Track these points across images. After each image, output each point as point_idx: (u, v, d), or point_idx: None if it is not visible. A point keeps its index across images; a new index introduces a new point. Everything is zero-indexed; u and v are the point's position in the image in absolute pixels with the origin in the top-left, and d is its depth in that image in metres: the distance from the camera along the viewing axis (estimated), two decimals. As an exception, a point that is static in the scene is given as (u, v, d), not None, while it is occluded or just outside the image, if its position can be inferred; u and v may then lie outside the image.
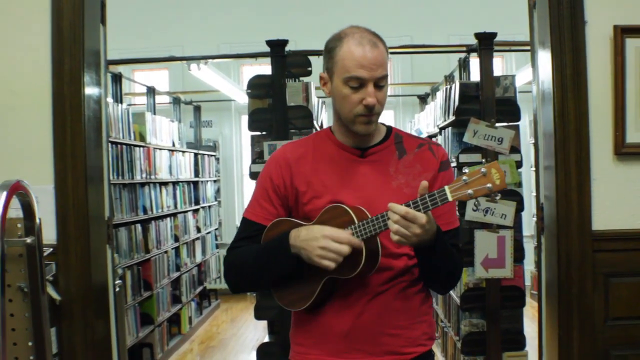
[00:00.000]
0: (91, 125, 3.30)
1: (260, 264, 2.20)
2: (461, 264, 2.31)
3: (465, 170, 1.99)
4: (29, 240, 1.39)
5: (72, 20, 3.22)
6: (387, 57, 2.18)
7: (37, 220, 1.39)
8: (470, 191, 1.97)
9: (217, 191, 10.24)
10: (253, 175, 4.75)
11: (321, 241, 2.05)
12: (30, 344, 1.39)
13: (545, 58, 3.38)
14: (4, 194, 1.27)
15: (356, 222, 2.09)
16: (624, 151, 3.25)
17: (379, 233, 2.08)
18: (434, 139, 6.64)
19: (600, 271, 3.28)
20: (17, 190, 1.33)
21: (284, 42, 4.91)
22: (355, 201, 2.16)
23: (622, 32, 3.22)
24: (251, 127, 4.96)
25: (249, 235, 2.29)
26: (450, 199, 1.98)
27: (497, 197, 1.99)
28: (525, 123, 8.56)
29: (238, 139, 10.92)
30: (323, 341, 2.22)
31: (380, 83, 2.13)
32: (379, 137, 2.29)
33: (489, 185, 1.95)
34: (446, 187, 1.99)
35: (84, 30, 3.24)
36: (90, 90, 3.30)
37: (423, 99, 9.32)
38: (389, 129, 2.33)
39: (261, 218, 2.28)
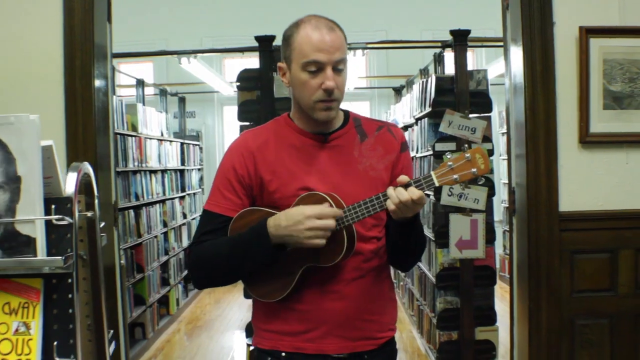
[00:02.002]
0: (100, 116, 3.46)
1: (236, 257, 2.06)
2: (425, 239, 2.27)
3: (449, 155, 1.96)
4: (89, 214, 1.57)
5: (83, 18, 3.36)
6: (345, 42, 2.10)
7: (96, 198, 1.57)
8: (455, 176, 1.94)
9: (201, 179, 10.38)
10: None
11: (306, 222, 1.95)
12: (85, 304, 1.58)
13: (517, 55, 3.54)
14: (75, 174, 1.47)
15: (334, 207, 2.01)
16: (588, 140, 3.43)
17: (360, 220, 2.02)
18: (410, 129, 6.87)
19: (566, 248, 3.46)
20: (83, 172, 1.52)
21: (272, 38, 5.06)
22: (324, 187, 2.09)
23: (587, 33, 3.39)
24: (240, 117, 5.11)
25: (213, 228, 2.13)
26: (437, 184, 1.95)
27: (480, 182, 2.04)
28: (495, 114, 8.78)
29: (220, 129, 11.03)
30: (300, 328, 2.13)
31: (338, 66, 2.05)
32: (339, 123, 2.20)
33: (473, 169, 1.93)
34: (432, 173, 1.97)
35: (93, 27, 3.38)
36: (99, 84, 3.45)
37: (398, 91, 9.49)
38: (346, 113, 2.25)
39: (226, 209, 2.14)
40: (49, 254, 1.51)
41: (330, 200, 2.01)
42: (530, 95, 3.45)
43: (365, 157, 2.17)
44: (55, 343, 1.51)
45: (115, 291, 3.63)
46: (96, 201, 1.59)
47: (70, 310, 1.51)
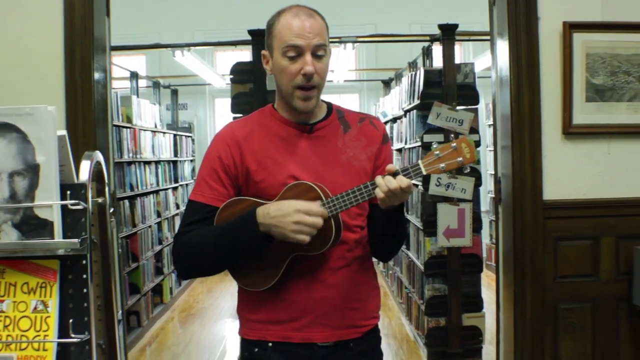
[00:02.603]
0: (99, 108, 3.52)
1: (223, 245, 2.05)
2: (407, 230, 2.33)
3: (436, 145, 1.98)
4: (100, 200, 1.66)
5: (83, 13, 3.42)
6: (327, 30, 2.11)
7: (107, 185, 1.66)
8: (442, 165, 1.96)
9: (193, 170, 10.44)
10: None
11: (294, 216, 1.95)
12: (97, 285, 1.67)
13: (503, 49, 3.63)
14: (89, 162, 1.55)
15: (323, 198, 2.01)
16: (571, 131, 3.52)
17: (348, 209, 2.03)
18: (399, 121, 6.96)
19: (550, 235, 3.55)
20: (95, 160, 1.61)
21: (264, 31, 5.13)
22: (309, 176, 2.09)
23: (570, 28, 3.47)
24: (234, 109, 5.19)
25: (200, 218, 2.11)
26: (424, 172, 1.97)
27: (466, 171, 2.02)
28: (482, 106, 8.88)
29: (212, 121, 11.10)
30: (286, 317, 2.13)
31: (318, 52, 2.06)
32: (322, 114, 2.21)
33: (459, 158, 1.96)
34: (420, 162, 1.98)
35: (93, 22, 3.45)
36: (98, 76, 3.51)
37: (387, 84, 9.58)
38: (329, 105, 2.26)
39: (212, 199, 2.12)
40: (64, 236, 1.59)
41: (319, 190, 2.02)
42: (516, 88, 3.54)
43: (349, 148, 2.18)
44: (70, 320, 1.61)
45: (114, 279, 3.70)
46: (106, 188, 1.68)
47: (85, 290, 1.60)
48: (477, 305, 5.29)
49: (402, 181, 1.94)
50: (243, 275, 2.14)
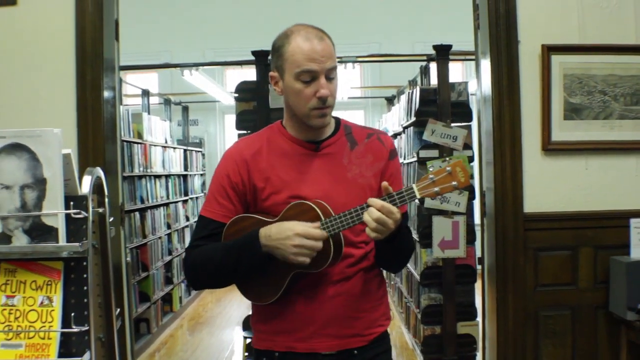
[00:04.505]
0: (108, 125, 3.73)
1: (229, 262, 2.09)
2: (413, 243, 2.28)
3: (431, 168, 1.98)
4: (100, 210, 1.88)
5: (94, 37, 3.63)
6: (334, 50, 2.13)
7: (106, 197, 1.89)
8: (436, 189, 1.96)
9: (203, 184, 10.63)
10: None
11: (295, 239, 1.98)
12: (97, 285, 1.88)
13: (486, 70, 3.79)
14: (90, 177, 1.78)
15: (322, 218, 2.03)
16: (550, 148, 3.67)
17: (347, 228, 2.04)
18: (398, 137, 7.14)
19: (530, 246, 3.68)
20: (96, 175, 1.84)
21: (267, 52, 5.31)
22: (314, 195, 2.11)
23: (549, 50, 3.64)
24: (238, 126, 5.36)
25: (208, 233, 2.18)
26: (418, 196, 1.98)
27: (460, 193, 2.05)
28: (475, 123, 8.96)
29: (222, 137, 11.34)
30: (290, 328, 2.16)
31: (330, 75, 2.09)
32: (330, 130, 2.22)
33: (454, 182, 1.96)
34: (414, 185, 1.98)
35: (103, 46, 3.66)
36: (107, 95, 3.72)
37: (390, 101, 9.73)
38: (337, 120, 2.27)
39: (220, 216, 2.18)
40: (68, 241, 1.83)
41: (318, 210, 2.04)
42: (497, 107, 3.68)
43: (354, 165, 2.19)
44: (72, 314, 1.84)
45: (122, 287, 3.89)
46: (106, 200, 1.91)
47: (85, 288, 1.83)
48: (471, 313, 5.39)
49: (387, 211, 1.95)
50: (248, 289, 2.20)
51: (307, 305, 2.15)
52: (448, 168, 1.96)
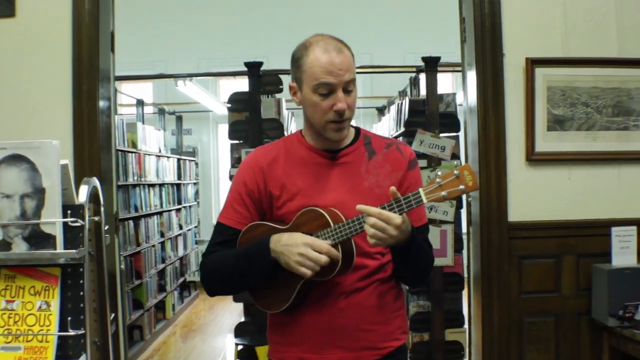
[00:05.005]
0: (104, 135, 3.78)
1: (239, 268, 2.09)
2: (432, 257, 2.23)
3: (439, 172, 1.94)
4: (96, 218, 1.95)
5: (90, 50, 3.69)
6: (353, 61, 2.10)
7: (102, 206, 1.97)
8: (444, 193, 1.91)
9: (196, 193, 10.70)
10: (232, 177, 5.25)
11: (301, 248, 1.97)
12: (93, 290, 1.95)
13: (472, 82, 3.86)
14: (87, 187, 1.85)
15: (332, 224, 2.01)
16: (533, 158, 3.74)
17: (355, 235, 2.00)
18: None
19: (515, 254, 3.75)
20: (92, 185, 1.91)
21: (260, 64, 5.39)
22: (329, 203, 2.09)
23: (532, 63, 3.71)
24: (231, 136, 5.43)
25: (224, 240, 2.18)
26: (425, 201, 1.92)
27: (469, 199, 1.94)
28: (463, 133, 9.02)
29: (215, 146, 11.39)
30: (301, 339, 2.14)
31: (348, 87, 2.06)
32: (349, 140, 2.20)
33: (461, 186, 1.91)
34: (420, 190, 1.93)
35: (99, 58, 3.73)
36: (102, 105, 3.77)
37: (381, 111, 9.75)
38: (357, 130, 2.26)
39: (236, 222, 2.18)
40: (65, 248, 1.90)
41: (328, 217, 2.02)
42: (483, 118, 3.76)
43: (371, 174, 2.16)
44: (69, 318, 1.91)
45: (116, 293, 3.93)
46: (102, 209, 1.98)
47: (81, 293, 1.90)
48: (458, 321, 5.41)
49: (388, 219, 1.92)
50: (259, 297, 2.20)
51: (318, 316, 2.12)
52: (456, 172, 1.92)
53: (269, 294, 2.15)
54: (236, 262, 2.10)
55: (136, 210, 7.10)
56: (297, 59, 2.12)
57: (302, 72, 2.09)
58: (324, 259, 1.96)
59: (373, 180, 2.16)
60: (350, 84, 2.07)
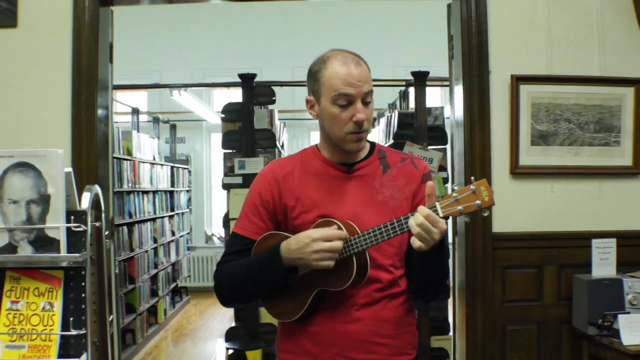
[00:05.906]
0: (101, 143, 3.83)
1: (251, 277, 2.09)
2: (448, 270, 2.22)
3: (455, 187, 1.93)
4: (97, 224, 2.02)
5: (89, 60, 3.75)
6: (370, 74, 2.12)
7: (103, 212, 2.03)
8: (460, 207, 1.90)
9: (189, 200, 10.74)
10: (225, 186, 5.28)
11: (313, 245, 1.97)
12: (93, 293, 2.02)
13: (459, 97, 3.92)
14: (89, 194, 1.92)
15: (343, 230, 2.01)
16: (517, 171, 3.80)
17: (369, 247, 2.00)
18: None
19: (499, 264, 3.80)
20: (94, 192, 1.98)
21: (253, 76, 5.45)
22: (344, 215, 2.08)
23: (517, 80, 3.78)
24: (224, 145, 5.50)
25: (239, 249, 2.18)
26: (441, 215, 1.90)
27: (485, 214, 1.93)
28: (449, 146, 9.10)
29: (208, 154, 11.44)
30: (312, 350, 2.12)
31: (366, 99, 2.07)
32: (364, 153, 2.20)
33: (478, 202, 1.90)
34: (437, 204, 1.92)
35: (98, 68, 3.79)
36: (100, 114, 3.82)
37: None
38: (372, 145, 2.25)
39: (251, 232, 2.18)
40: (68, 252, 1.98)
41: (341, 225, 2.01)
42: (469, 132, 3.81)
43: (386, 188, 2.16)
44: (71, 318, 1.98)
45: (111, 297, 3.97)
46: (103, 215, 2.05)
47: (83, 295, 1.97)
48: (444, 328, 5.45)
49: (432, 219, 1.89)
50: (272, 306, 2.19)
51: (330, 327, 2.11)
52: (472, 187, 1.92)
53: (282, 302, 2.15)
54: (248, 271, 2.11)
55: (130, 216, 7.16)
56: (314, 73, 2.14)
57: (320, 84, 2.10)
58: (338, 244, 1.98)
59: (387, 194, 2.16)
60: (368, 96, 2.09)
